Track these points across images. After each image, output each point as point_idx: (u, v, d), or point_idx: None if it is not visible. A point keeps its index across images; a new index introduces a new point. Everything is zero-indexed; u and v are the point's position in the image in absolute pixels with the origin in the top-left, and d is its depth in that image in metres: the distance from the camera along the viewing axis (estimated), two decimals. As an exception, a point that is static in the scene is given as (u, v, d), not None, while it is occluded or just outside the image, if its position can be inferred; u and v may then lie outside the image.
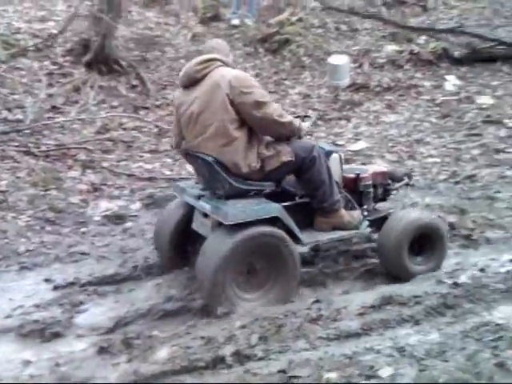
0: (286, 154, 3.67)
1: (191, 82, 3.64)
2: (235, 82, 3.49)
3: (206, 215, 3.74)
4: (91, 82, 7.61)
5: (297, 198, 3.93)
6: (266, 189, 3.69)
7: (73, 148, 6.37)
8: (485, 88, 8.91)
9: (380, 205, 4.42)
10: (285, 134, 3.73)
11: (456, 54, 9.56)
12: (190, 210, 3.99)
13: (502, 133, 7.46)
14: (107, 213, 5.23)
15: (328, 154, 4.04)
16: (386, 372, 2.67)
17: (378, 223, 4.14)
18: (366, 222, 4.08)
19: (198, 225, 3.88)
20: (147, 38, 9.15)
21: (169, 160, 6.44)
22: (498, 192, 5.76)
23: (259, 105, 3.51)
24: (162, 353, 2.99)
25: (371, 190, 4.22)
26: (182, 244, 4.08)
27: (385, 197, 4.44)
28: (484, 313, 3.37)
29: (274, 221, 3.54)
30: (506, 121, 7.79)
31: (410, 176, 4.65)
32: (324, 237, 3.87)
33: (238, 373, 2.79)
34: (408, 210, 4.37)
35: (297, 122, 3.78)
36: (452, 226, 4.78)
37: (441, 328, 3.18)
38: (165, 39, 9.28)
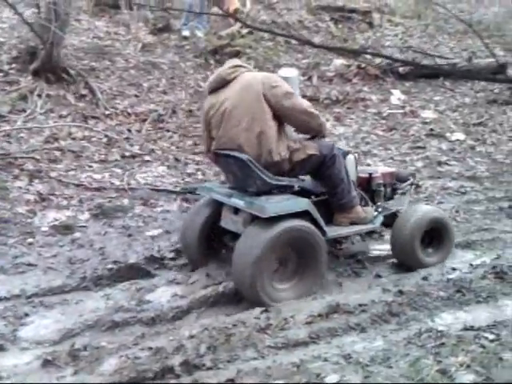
0: (311, 148, 4.03)
1: (222, 84, 3.94)
2: (266, 79, 3.86)
3: (236, 212, 3.98)
4: (39, 91, 7.47)
5: (313, 196, 4.18)
6: (295, 185, 3.98)
7: (19, 157, 6.24)
8: (428, 103, 9.25)
9: (389, 202, 4.73)
10: (313, 125, 4.06)
11: (401, 69, 9.86)
12: (217, 208, 4.20)
13: (444, 146, 7.75)
14: (55, 223, 5.15)
15: (344, 154, 4.37)
16: (332, 379, 2.72)
17: (389, 219, 4.49)
18: (381, 218, 4.40)
19: (228, 221, 4.08)
20: (97, 48, 9.06)
21: (118, 170, 6.38)
22: (441, 203, 5.97)
23: (289, 95, 3.86)
24: (110, 364, 2.96)
25: (382, 188, 4.61)
26: (209, 241, 4.30)
27: (392, 195, 4.77)
28: (427, 320, 3.47)
29: (303, 215, 3.81)
30: (447, 134, 8.11)
31: (414, 176, 5.04)
32: (344, 230, 4.20)
33: (186, 383, 2.78)
34: (418, 206, 4.76)
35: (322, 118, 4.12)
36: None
37: (386, 335, 3.26)
38: (115, 49, 9.20)
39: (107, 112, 7.61)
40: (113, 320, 3.53)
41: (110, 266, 4.34)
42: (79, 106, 7.57)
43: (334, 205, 4.20)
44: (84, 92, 7.82)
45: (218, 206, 4.20)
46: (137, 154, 6.82)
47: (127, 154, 6.79)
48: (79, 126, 7.13)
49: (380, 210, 4.49)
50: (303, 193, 4.03)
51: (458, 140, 8.02)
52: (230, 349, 3.05)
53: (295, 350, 3.09)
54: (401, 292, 3.80)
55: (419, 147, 7.63)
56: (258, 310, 3.56)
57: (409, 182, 4.84)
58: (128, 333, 3.42)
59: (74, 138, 6.92)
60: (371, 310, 3.55)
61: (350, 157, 4.43)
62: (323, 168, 4.09)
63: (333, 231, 4.08)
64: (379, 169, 4.82)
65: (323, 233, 3.92)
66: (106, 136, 7.09)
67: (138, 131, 7.42)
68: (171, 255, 4.57)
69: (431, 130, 8.29)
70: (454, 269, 4.31)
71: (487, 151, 7.69)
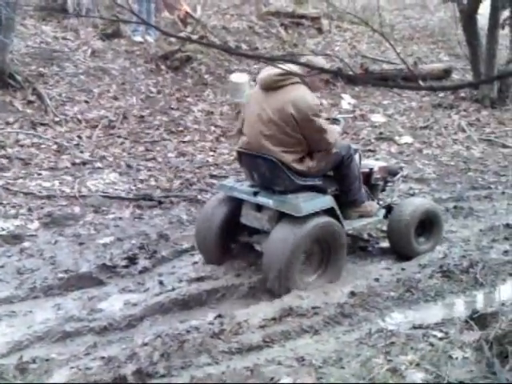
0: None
1: (267, 88, 4.10)
2: (303, 104, 3.96)
3: (259, 209, 4.14)
4: (-16, 97, 7.29)
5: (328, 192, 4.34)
6: (320, 184, 4.20)
7: (-36, 166, 6.07)
8: (377, 107, 9.44)
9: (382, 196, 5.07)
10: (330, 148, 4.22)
11: (350, 73, 10.02)
12: (236, 206, 4.34)
13: (393, 149, 7.92)
14: (3, 233, 5.01)
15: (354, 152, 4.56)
16: (285, 382, 2.75)
17: (386, 212, 4.77)
18: (383, 211, 4.75)
19: (250, 219, 4.23)
20: (45, 53, 8.88)
21: (68, 177, 6.27)
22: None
23: (320, 132, 4.05)
24: (60, 376, 2.91)
25: (380, 182, 4.92)
26: (228, 238, 4.44)
27: (385, 188, 5.11)
28: (378, 320, 3.56)
29: (327, 211, 4.08)
30: (396, 138, 8.29)
31: (402, 169, 5.41)
32: (357, 224, 4.52)
33: (139, 392, 2.78)
34: (412, 198, 5.29)
35: (336, 134, 4.33)
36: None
37: (338, 336, 3.32)
38: (63, 54, 9.04)
39: (56, 118, 7.47)
40: (63, 330, 3.47)
41: (60, 275, 4.26)
42: (27, 113, 7.40)
43: (347, 200, 4.44)
44: (32, 98, 7.65)
45: (236, 204, 4.34)
46: (88, 161, 6.72)
47: (78, 160, 6.68)
48: (27, 133, 6.98)
49: (381, 203, 4.87)
50: (318, 190, 4.22)
51: (406, 143, 8.21)
52: (183, 355, 3.05)
53: (249, 354, 3.12)
54: (353, 293, 3.88)
55: (370, 150, 7.77)
56: (211, 315, 3.57)
57: (399, 176, 5.12)
58: (79, 343, 3.37)
59: (21, 145, 6.77)
60: (324, 312, 3.61)
61: (357, 155, 4.60)
62: (342, 167, 4.35)
63: (347, 225, 4.34)
64: (376, 164, 5.05)
65: (342, 227, 4.19)
66: (56, 143, 6.96)
67: (89, 138, 7.31)
68: (124, 263, 4.52)
69: (381, 133, 8.47)
70: (403, 269, 4.42)
71: (433, 154, 7.91)
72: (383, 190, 5.10)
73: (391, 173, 5.09)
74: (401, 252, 4.73)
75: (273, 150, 4.02)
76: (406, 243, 4.66)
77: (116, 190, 6.14)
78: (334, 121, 4.84)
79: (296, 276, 3.92)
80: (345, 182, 4.41)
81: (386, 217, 4.75)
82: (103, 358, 3.04)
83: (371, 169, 4.81)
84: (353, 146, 4.60)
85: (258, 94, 4.20)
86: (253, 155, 4.12)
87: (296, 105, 3.96)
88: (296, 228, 3.89)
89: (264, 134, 4.04)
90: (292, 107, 3.96)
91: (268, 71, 4.12)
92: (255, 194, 4.15)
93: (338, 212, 4.17)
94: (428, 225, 4.81)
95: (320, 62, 4.38)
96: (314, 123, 4.01)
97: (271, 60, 3.21)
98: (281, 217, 4.04)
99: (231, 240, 4.49)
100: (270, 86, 4.08)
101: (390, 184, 5.14)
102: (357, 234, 4.96)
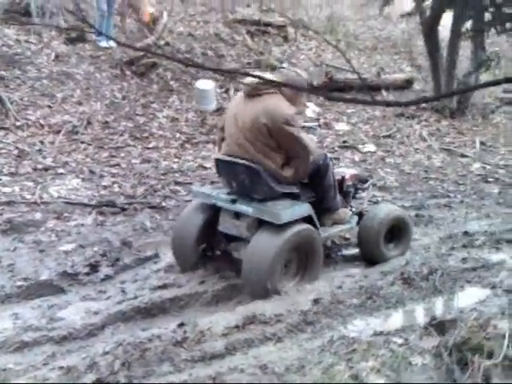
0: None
1: (248, 95, 4.15)
2: (275, 114, 3.99)
3: (237, 217, 4.17)
4: None
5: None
6: (297, 191, 4.24)
7: None
8: (341, 115, 9.56)
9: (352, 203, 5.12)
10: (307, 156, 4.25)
11: (314, 83, 10.13)
12: (213, 213, 4.35)
13: (357, 157, 8.03)
14: (-41, 240, 4.90)
15: None
16: (247, 390, 2.75)
17: (358, 218, 4.84)
18: (355, 217, 4.82)
19: (228, 226, 4.26)
20: (6, 56, 8.71)
21: (30, 183, 6.16)
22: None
23: (295, 141, 4.07)
24: (17, 387, 2.86)
25: (352, 190, 4.99)
26: (205, 246, 4.45)
27: (355, 196, 5.16)
28: (340, 327, 3.58)
29: (304, 218, 4.13)
30: (360, 146, 8.41)
31: (371, 177, 5.51)
32: (332, 231, 4.59)
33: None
34: (382, 205, 5.35)
35: (312, 143, 4.37)
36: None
37: (301, 344, 3.33)
38: (26, 58, 8.89)
39: (18, 123, 7.34)
40: (21, 340, 3.39)
41: (19, 283, 4.17)
42: (-14, 117, 7.25)
43: (322, 207, 4.49)
44: (-8, 102, 7.51)
45: (213, 211, 4.34)
46: (50, 167, 6.61)
47: (39, 166, 6.57)
48: (-13, 138, 6.83)
49: (354, 210, 4.94)
50: (295, 197, 4.27)
51: (369, 151, 8.34)
52: (145, 364, 3.02)
53: (212, 362, 3.10)
54: (316, 301, 3.90)
55: (334, 158, 7.84)
56: (174, 323, 3.54)
57: (370, 183, 5.22)
58: (38, 352, 3.30)
59: (-20, 150, 6.63)
60: (287, 319, 3.62)
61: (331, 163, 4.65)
62: (318, 175, 4.40)
63: (323, 232, 4.41)
64: (347, 171, 5.10)
65: (319, 233, 4.26)
66: (17, 148, 6.83)
67: (52, 143, 7.20)
68: (85, 270, 4.46)
69: (344, 141, 8.58)
70: (365, 276, 4.47)
71: (396, 162, 8.05)
72: (354, 198, 5.17)
73: (361, 180, 5.19)
74: (371, 258, 4.81)
75: (254, 155, 4.06)
76: (376, 249, 4.75)
77: (79, 196, 6.05)
78: (309, 129, 4.90)
79: (276, 283, 3.95)
80: (320, 190, 4.47)
81: (358, 223, 4.82)
82: (62, 367, 2.98)
83: (343, 176, 4.88)
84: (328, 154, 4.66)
85: (239, 100, 4.25)
86: (232, 162, 4.14)
87: (268, 114, 4.01)
88: (276, 236, 3.95)
89: (245, 139, 4.08)
90: (265, 117, 4.00)
91: (249, 79, 4.19)
92: (233, 201, 4.17)
93: (316, 219, 4.23)
94: (397, 231, 4.89)
95: (293, 74, 4.34)
96: (287, 132, 4.04)
97: (225, 72, 3.21)
98: (259, 224, 4.08)
99: (208, 248, 4.49)
100: (250, 93, 4.14)
101: (360, 191, 5.22)
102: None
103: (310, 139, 4.37)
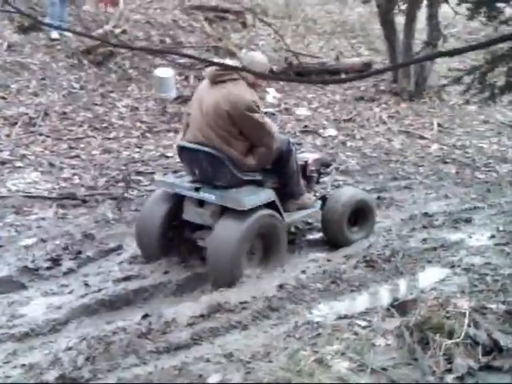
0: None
1: (211, 82, 4.16)
2: (237, 100, 4.01)
3: (201, 205, 4.16)
4: None
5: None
6: (260, 178, 4.27)
7: None
8: (302, 100, 9.58)
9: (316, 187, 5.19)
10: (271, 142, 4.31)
11: (274, 68, 10.12)
12: (176, 202, 4.33)
13: (318, 142, 8.08)
14: None
15: None
16: (214, 379, 2.74)
17: (322, 203, 4.88)
18: (319, 202, 4.86)
19: (192, 215, 4.26)
20: (-45, 47, 8.47)
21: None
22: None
23: (258, 127, 4.12)
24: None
25: (315, 174, 5.02)
26: (170, 235, 4.42)
27: (319, 180, 5.20)
28: (305, 312, 3.62)
29: (268, 204, 4.16)
30: (321, 131, 8.46)
31: (335, 161, 5.56)
32: (296, 216, 4.64)
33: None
34: (345, 189, 5.38)
35: (275, 128, 4.36)
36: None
37: (266, 330, 3.35)
38: (-24, 48, 8.64)
39: (-31, 116, 7.15)
40: (-19, 339, 3.32)
41: (-22, 280, 4.09)
42: None
43: (286, 193, 4.53)
44: None
45: (177, 200, 4.33)
46: (7, 160, 6.45)
47: (-4, 160, 6.42)
48: None
49: (317, 194, 5.00)
50: (258, 184, 4.30)
51: (330, 136, 8.39)
52: (109, 358, 2.99)
53: (177, 353, 3.10)
54: (281, 286, 3.92)
55: (296, 143, 7.87)
56: (138, 315, 3.52)
57: (332, 167, 5.32)
58: (-1, 350, 3.24)
59: None
60: (252, 306, 3.63)
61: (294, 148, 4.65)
62: (281, 161, 4.43)
63: (287, 217, 4.42)
64: (310, 156, 5.11)
65: (283, 219, 4.28)
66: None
67: (8, 136, 7.03)
68: (47, 264, 4.39)
69: (305, 126, 8.61)
70: (329, 260, 4.53)
71: (357, 146, 8.12)
72: (317, 182, 5.21)
73: (324, 164, 5.25)
74: (335, 242, 4.86)
75: (216, 142, 4.06)
76: (340, 233, 4.80)
77: (38, 189, 5.93)
78: (271, 115, 4.90)
79: (242, 269, 3.99)
80: (284, 176, 4.52)
81: (322, 208, 4.86)
82: (24, 365, 2.94)
83: (306, 161, 4.91)
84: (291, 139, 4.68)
85: (204, 86, 4.26)
86: (195, 150, 4.13)
87: (230, 101, 4.03)
88: (240, 222, 3.96)
89: (208, 125, 4.08)
90: (227, 104, 4.03)
91: (210, 68, 4.19)
92: (197, 189, 4.18)
93: (279, 205, 4.26)
94: (361, 214, 4.95)
95: (256, 58, 4.35)
96: (250, 119, 4.06)
97: (190, 57, 3.17)
98: (223, 211, 4.09)
99: (173, 237, 4.47)
100: (213, 80, 4.15)
101: (323, 176, 5.27)
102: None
103: (272, 124, 4.36)
